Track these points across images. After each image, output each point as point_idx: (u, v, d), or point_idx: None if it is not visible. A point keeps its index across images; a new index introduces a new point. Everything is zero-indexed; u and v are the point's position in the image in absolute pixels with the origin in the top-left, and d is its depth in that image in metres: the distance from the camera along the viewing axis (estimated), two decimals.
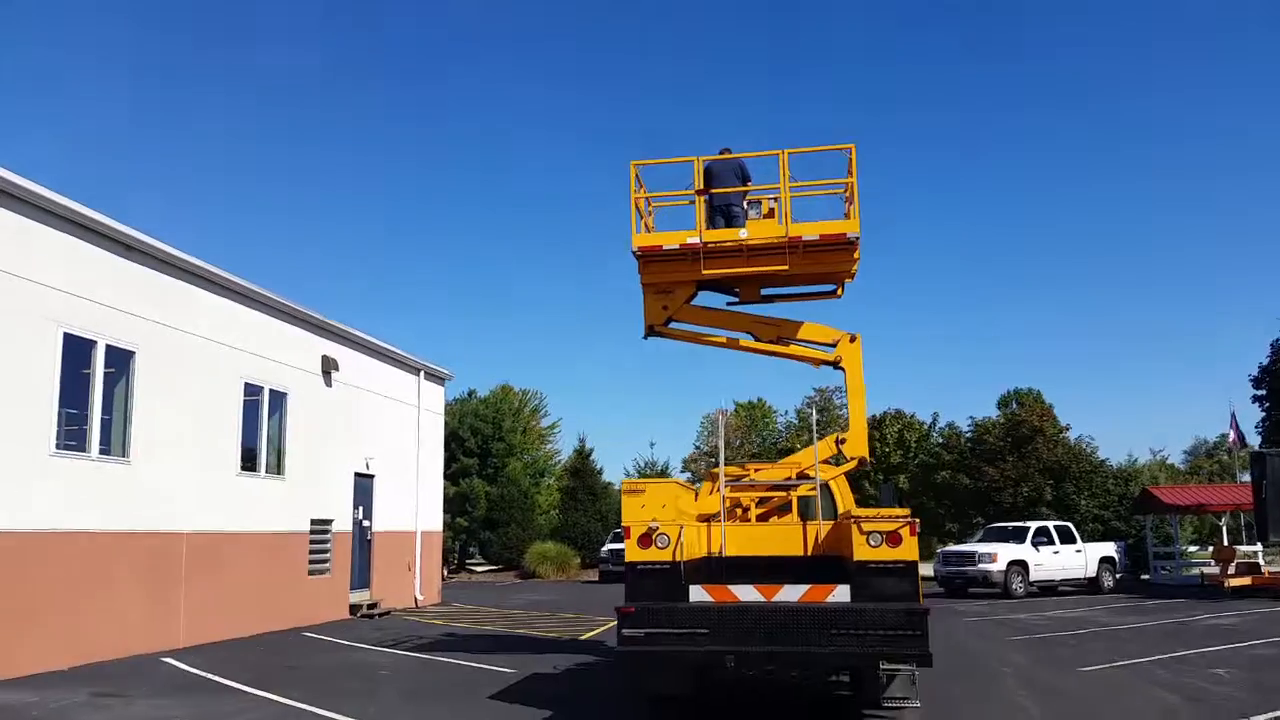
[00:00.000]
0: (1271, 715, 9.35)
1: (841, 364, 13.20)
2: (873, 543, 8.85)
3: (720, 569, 10.48)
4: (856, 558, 8.84)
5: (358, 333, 21.59)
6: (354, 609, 20.33)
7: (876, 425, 43.86)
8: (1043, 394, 45.42)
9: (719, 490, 11.26)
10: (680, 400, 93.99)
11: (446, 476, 44.90)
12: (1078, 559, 28.48)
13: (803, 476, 12.43)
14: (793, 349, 13.50)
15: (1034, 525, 28.86)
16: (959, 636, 17.38)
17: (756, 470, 13.67)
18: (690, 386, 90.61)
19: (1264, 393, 30.63)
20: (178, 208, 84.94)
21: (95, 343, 13.73)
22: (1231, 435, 34.42)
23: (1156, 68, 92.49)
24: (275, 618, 17.40)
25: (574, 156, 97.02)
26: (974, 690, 11.25)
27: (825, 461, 12.70)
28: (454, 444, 47.04)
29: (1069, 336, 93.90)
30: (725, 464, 11.45)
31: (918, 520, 9.11)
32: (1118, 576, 29.83)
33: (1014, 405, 43.42)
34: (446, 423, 45.92)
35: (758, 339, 13.50)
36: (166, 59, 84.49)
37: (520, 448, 52.15)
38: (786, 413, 57.91)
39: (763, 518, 12.62)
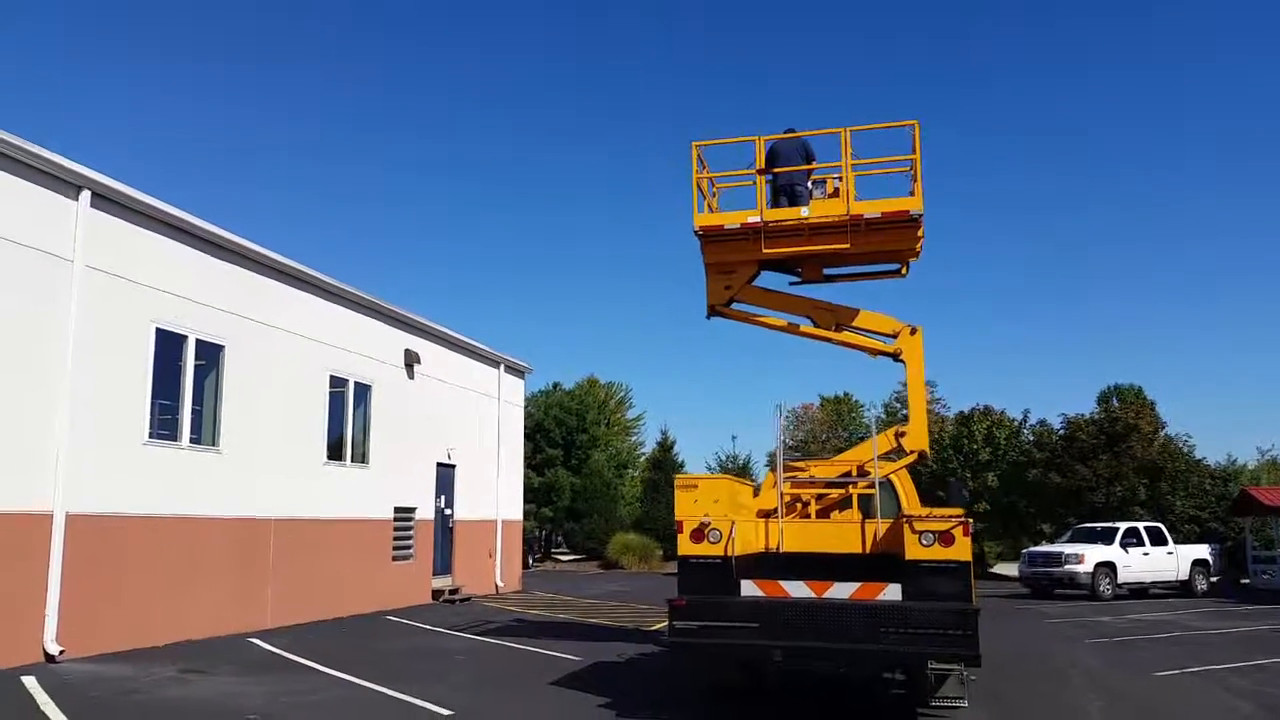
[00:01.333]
0: None
1: (901, 356, 13.16)
2: (925, 542, 8.87)
3: (777, 564, 10.59)
4: (908, 557, 8.88)
5: (439, 327, 22.20)
6: (436, 594, 20.96)
7: (965, 423, 43.02)
8: (1144, 390, 43.96)
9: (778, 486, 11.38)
10: (766, 393, 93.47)
11: (531, 467, 45.82)
12: (1169, 561, 27.63)
13: (863, 473, 12.45)
14: (851, 337, 13.50)
15: (1123, 526, 28.08)
16: (1036, 638, 17.14)
17: (816, 466, 13.70)
18: (777, 380, 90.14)
19: None
20: (264, 203, 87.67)
21: (186, 337, 14.49)
22: None
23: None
24: (359, 601, 18.08)
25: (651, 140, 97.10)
26: (1038, 691, 11.17)
27: (885, 455, 12.68)
28: (539, 435, 47.84)
29: (1174, 328, 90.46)
30: (794, 459, 11.55)
31: (971, 520, 9.11)
32: (1212, 580, 28.84)
33: (1114, 402, 42.14)
34: (531, 414, 46.95)
35: (816, 324, 13.53)
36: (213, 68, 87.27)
37: (604, 440, 52.70)
38: (874, 406, 57.20)
39: (822, 513, 12.67)
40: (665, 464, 48.17)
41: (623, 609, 20.92)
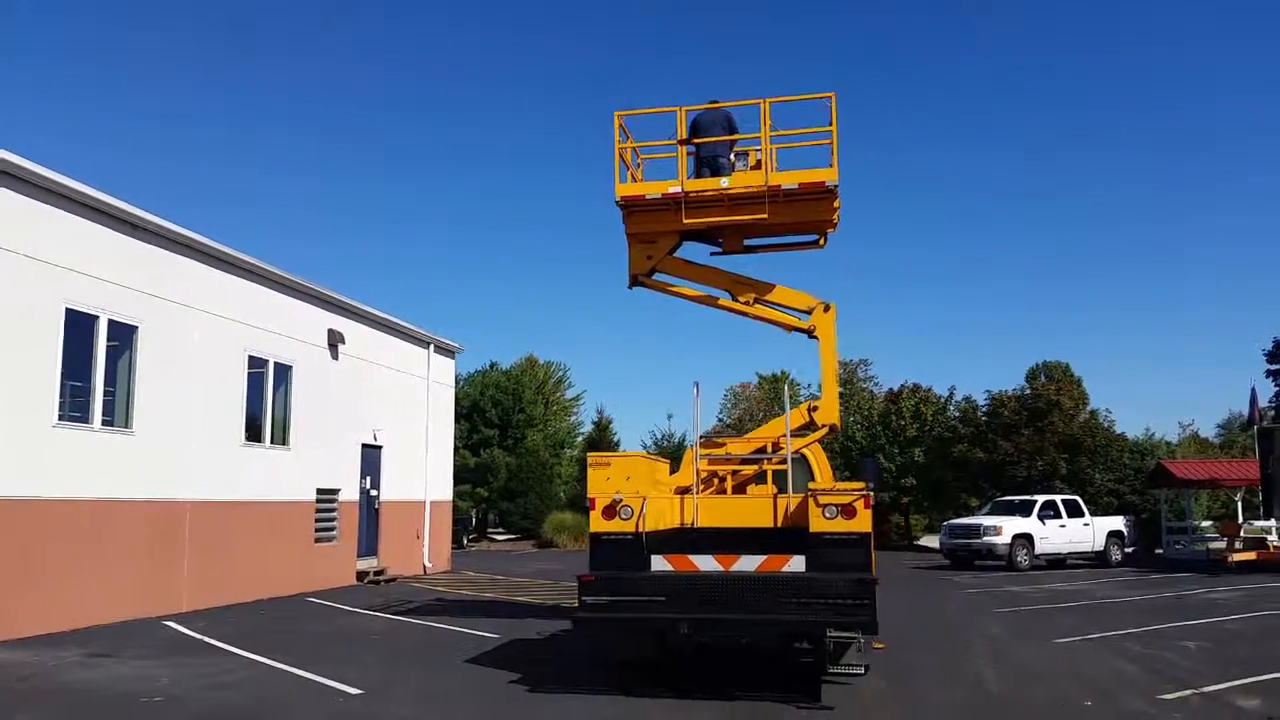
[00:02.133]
0: (1218, 687, 9.52)
1: (815, 333, 13.42)
2: (828, 515, 9.11)
3: (692, 540, 10.76)
4: (812, 529, 9.11)
5: (365, 307, 22.01)
6: (361, 576, 20.88)
7: (894, 400, 43.83)
8: (1071, 367, 45.04)
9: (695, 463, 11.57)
10: (704, 373, 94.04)
11: (467, 447, 45.66)
12: (1085, 532, 28.49)
13: (778, 448, 12.67)
14: (767, 312, 13.76)
15: (1041, 498, 28.87)
16: (949, 608, 17.63)
17: (733, 442, 13.91)
18: (716, 359, 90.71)
19: (1278, 368, 30.29)
20: (178, 186, 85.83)
21: (98, 317, 14.21)
22: (1250, 411, 34.13)
23: (1188, 38, 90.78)
24: (281, 584, 17.95)
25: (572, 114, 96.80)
26: (940, 660, 11.49)
27: (800, 429, 12.95)
28: (475, 415, 47.69)
29: (1102, 308, 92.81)
30: (714, 437, 11.72)
31: (872, 494, 9.35)
32: (1127, 550, 29.79)
33: (1042, 378, 43.15)
34: (467, 394, 46.75)
35: (734, 298, 13.76)
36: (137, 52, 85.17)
37: (541, 420, 52.67)
38: (810, 385, 57.93)
39: (739, 489, 12.87)
40: (601, 443, 48.33)
41: (551, 587, 21.03)
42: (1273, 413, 29.37)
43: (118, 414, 14.75)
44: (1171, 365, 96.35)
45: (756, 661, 10.93)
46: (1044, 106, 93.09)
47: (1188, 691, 9.30)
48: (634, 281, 14.01)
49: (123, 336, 14.80)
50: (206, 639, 12.81)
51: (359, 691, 9.43)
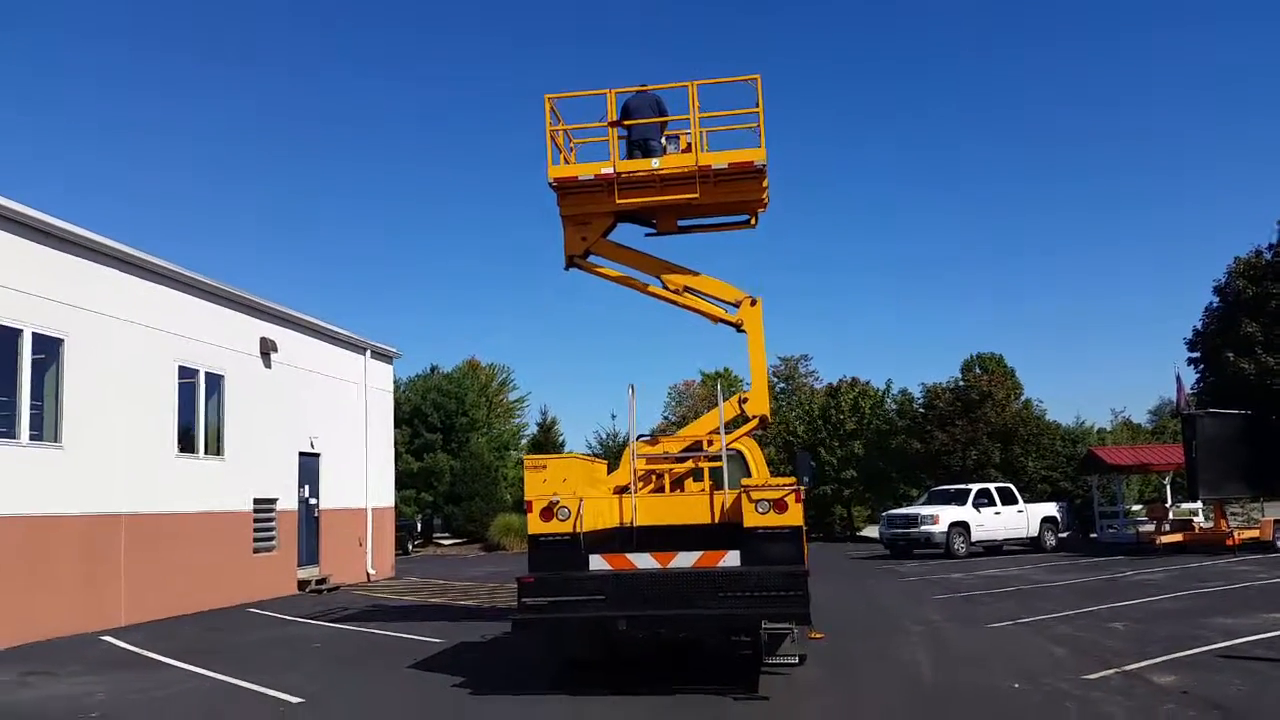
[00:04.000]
0: (1139, 665, 9.87)
1: (743, 327, 13.66)
2: (760, 510, 9.31)
3: (630, 538, 10.88)
4: (746, 524, 9.31)
5: (298, 314, 21.80)
6: (302, 585, 20.68)
7: (833, 394, 44.46)
8: (1004, 358, 45.98)
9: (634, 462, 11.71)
10: (648, 372, 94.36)
11: (410, 452, 45.30)
12: (1019, 519, 29.18)
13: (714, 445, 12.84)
14: (695, 301, 14.01)
15: (976, 487, 29.50)
16: (888, 596, 17.99)
17: (668, 440, 14.08)
18: (661, 358, 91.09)
19: (1198, 355, 31.26)
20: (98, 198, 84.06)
21: (21, 331, 13.95)
22: (1177, 398, 35.14)
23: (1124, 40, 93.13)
24: (220, 595, 17.73)
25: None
26: (877, 647, 11.73)
27: (731, 421, 13.15)
28: (417, 420, 47.30)
29: (1035, 299, 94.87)
30: (648, 437, 11.88)
31: (803, 488, 9.59)
32: (1062, 535, 30.56)
33: (976, 370, 44.02)
34: (409, 399, 46.39)
35: (665, 285, 13.96)
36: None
37: (484, 422, 52.43)
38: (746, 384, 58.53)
39: (677, 485, 13.03)
40: (546, 445, 48.30)
41: (498, 590, 20.96)
42: (1195, 399, 30.19)
43: (46, 428, 14.46)
44: (1104, 354, 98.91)
45: (697, 656, 11.07)
46: (974, 97, 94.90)
47: (1110, 671, 9.63)
48: (570, 263, 14.24)
49: (49, 349, 14.53)
50: (145, 653, 12.64)
51: (301, 700, 9.39)
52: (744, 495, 9.45)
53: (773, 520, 9.26)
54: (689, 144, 13.44)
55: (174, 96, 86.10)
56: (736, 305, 13.79)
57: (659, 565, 9.38)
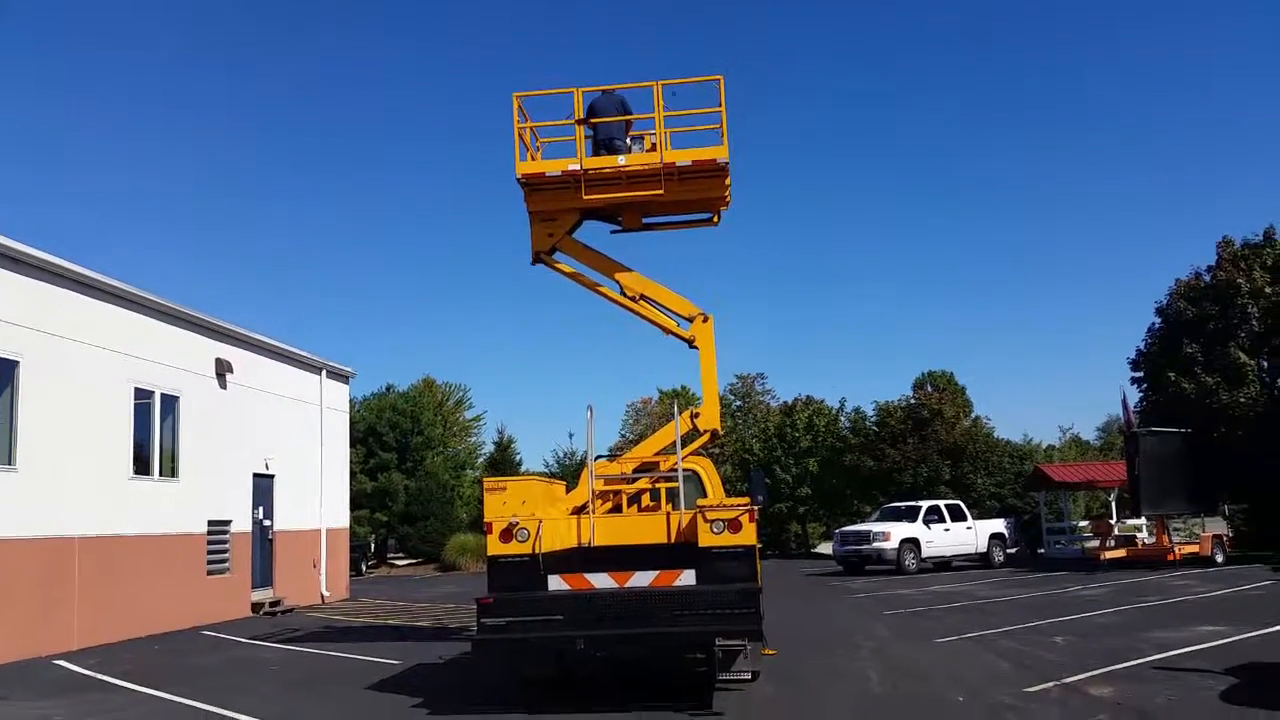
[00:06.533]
0: (1078, 678, 10.24)
1: (695, 343, 13.96)
2: (715, 530, 9.58)
3: (589, 558, 11.07)
4: (701, 544, 9.56)
5: (254, 334, 21.77)
6: (256, 607, 20.58)
7: (788, 413, 45.01)
8: (955, 375, 46.84)
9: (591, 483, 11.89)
10: (607, 390, 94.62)
11: (364, 472, 45.05)
12: (968, 535, 29.77)
13: (672, 467, 13.08)
14: (651, 311, 14.30)
15: (925, 504, 30.06)
16: (839, 612, 18.33)
17: (624, 459, 14.29)
18: (618, 376, 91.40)
19: (1141, 375, 32.18)
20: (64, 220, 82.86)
21: None
22: (1125, 416, 36.02)
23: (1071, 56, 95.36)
24: (174, 618, 17.62)
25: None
26: (828, 663, 12.00)
27: (683, 437, 13.39)
28: (371, 439, 47.08)
29: (985, 319, 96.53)
30: (607, 457, 12.09)
31: (756, 509, 9.86)
32: (1010, 551, 31.20)
33: (928, 387, 44.79)
34: (363, 418, 46.15)
35: (623, 291, 14.24)
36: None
37: (440, 441, 52.26)
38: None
39: (633, 502, 13.26)
40: (503, 464, 48.32)
41: (454, 610, 21.02)
42: (1139, 417, 31.07)
43: None
44: (1051, 370, 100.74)
45: (654, 674, 11.28)
46: (922, 112, 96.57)
47: (1050, 683, 9.99)
48: (536, 259, 14.50)
49: (3, 372, 14.45)
50: (99, 676, 12.58)
51: None
52: (699, 515, 9.70)
53: (727, 540, 9.53)
54: (654, 144, 13.82)
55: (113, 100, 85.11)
56: (690, 320, 14.09)
57: (616, 585, 9.59)
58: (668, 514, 12.09)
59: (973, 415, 41.65)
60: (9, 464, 14.43)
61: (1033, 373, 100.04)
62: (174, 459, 18.58)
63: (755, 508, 9.85)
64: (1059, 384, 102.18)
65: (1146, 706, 8.71)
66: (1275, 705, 8.67)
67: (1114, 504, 36.35)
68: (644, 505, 13.28)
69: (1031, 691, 9.64)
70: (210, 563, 19.31)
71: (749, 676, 9.93)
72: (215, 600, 19.16)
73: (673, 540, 11.73)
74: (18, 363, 14.64)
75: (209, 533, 19.36)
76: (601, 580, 9.65)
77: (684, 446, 12.61)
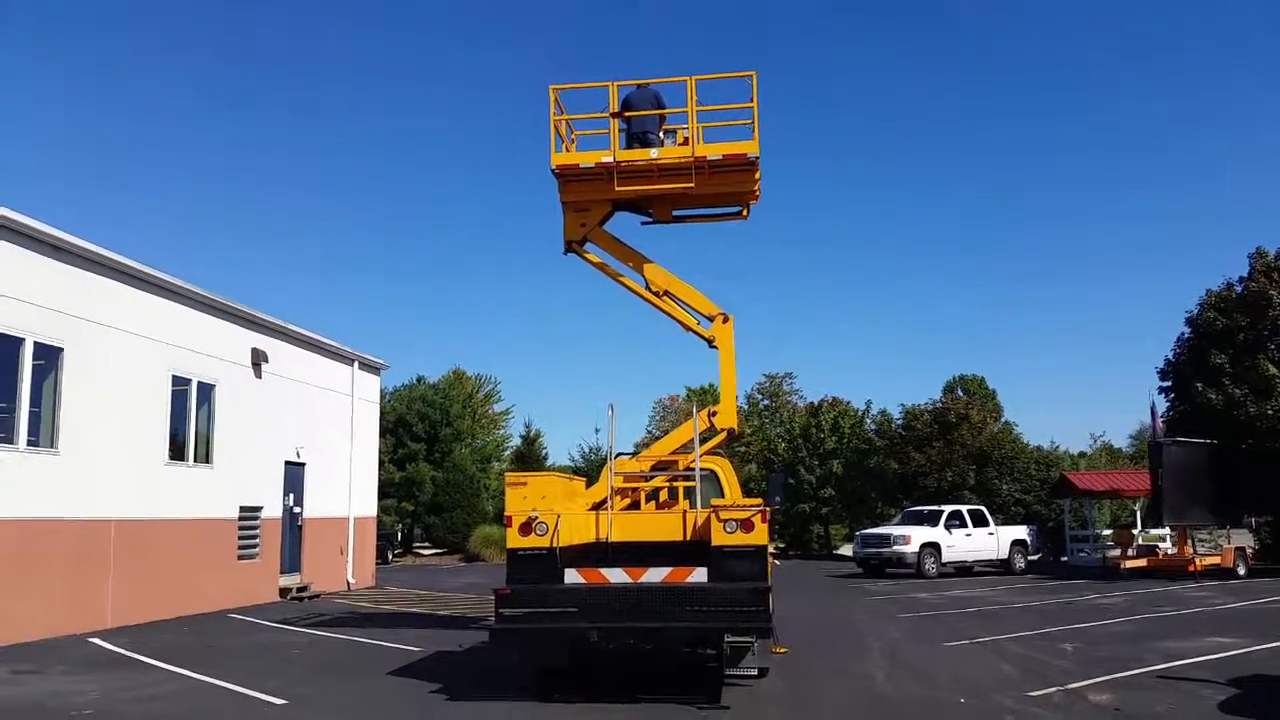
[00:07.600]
0: (1081, 684, 10.44)
1: (715, 343, 14.22)
2: (728, 529, 9.87)
3: (606, 553, 11.38)
4: (714, 543, 9.86)
5: (290, 325, 22.26)
6: (284, 592, 21.09)
7: (814, 414, 45.08)
8: (986, 380, 46.70)
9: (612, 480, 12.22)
10: (635, 387, 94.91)
11: (393, 461, 45.64)
12: (990, 541, 29.82)
13: (690, 467, 13.35)
14: (673, 308, 14.55)
15: (948, 509, 30.13)
16: (854, 613, 18.55)
17: (644, 457, 14.56)
18: (647, 374, 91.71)
19: (1170, 384, 32.00)
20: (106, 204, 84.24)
21: (23, 340, 14.42)
22: (1153, 425, 35.81)
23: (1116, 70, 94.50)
24: (204, 600, 18.15)
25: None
26: (837, 662, 12.27)
27: (701, 434, 13.67)
28: (401, 429, 47.66)
29: (1020, 323, 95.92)
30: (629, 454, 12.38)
31: (770, 509, 10.14)
32: (1032, 558, 31.18)
33: (958, 391, 44.72)
34: (393, 408, 46.74)
35: (648, 285, 14.53)
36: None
37: (468, 433, 52.78)
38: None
39: (651, 499, 13.55)
40: (529, 458, 48.72)
41: (476, 600, 21.39)
42: (1164, 427, 30.92)
43: (43, 434, 14.91)
44: (1086, 377, 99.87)
45: (665, 667, 11.57)
46: (960, 116, 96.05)
47: (1053, 689, 10.19)
48: (568, 248, 14.78)
49: (48, 357, 14.98)
50: (132, 654, 13.07)
51: (283, 702, 9.86)
52: (713, 515, 9.99)
53: (740, 539, 9.81)
54: (685, 139, 14.07)
55: (158, 99, 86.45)
56: (711, 320, 14.34)
57: (631, 580, 9.89)
58: (684, 512, 12.39)
59: (1002, 420, 41.57)
60: (52, 447, 14.96)
61: (1065, 378, 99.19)
62: (208, 446, 19.10)
63: (768, 509, 10.13)
64: (1093, 389, 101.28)
65: (1144, 714, 8.92)
66: (1270, 718, 8.85)
67: (1139, 513, 36.19)
68: (661, 502, 13.56)
69: (1033, 695, 9.85)
70: (241, 548, 19.83)
71: (757, 673, 10.22)
72: (245, 584, 19.68)
73: (688, 538, 12.01)
74: (62, 349, 15.17)
75: (240, 518, 19.88)
76: (616, 575, 9.95)
77: (701, 445, 12.90)
